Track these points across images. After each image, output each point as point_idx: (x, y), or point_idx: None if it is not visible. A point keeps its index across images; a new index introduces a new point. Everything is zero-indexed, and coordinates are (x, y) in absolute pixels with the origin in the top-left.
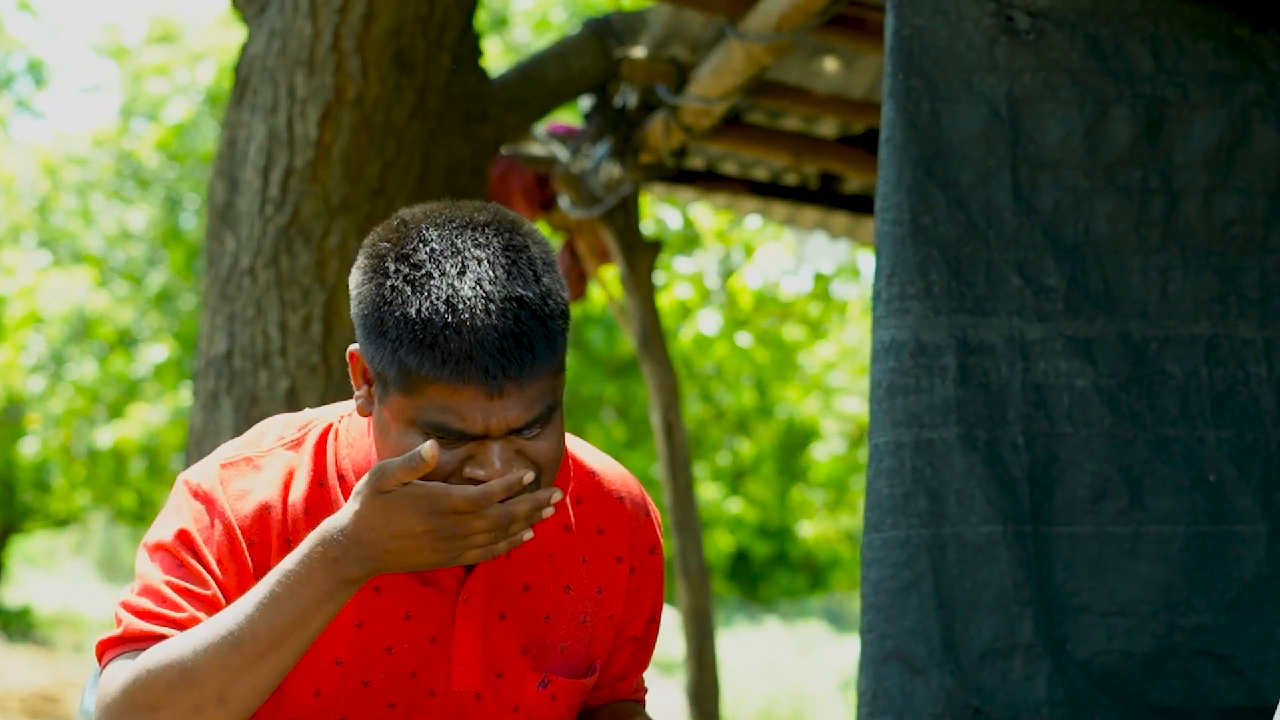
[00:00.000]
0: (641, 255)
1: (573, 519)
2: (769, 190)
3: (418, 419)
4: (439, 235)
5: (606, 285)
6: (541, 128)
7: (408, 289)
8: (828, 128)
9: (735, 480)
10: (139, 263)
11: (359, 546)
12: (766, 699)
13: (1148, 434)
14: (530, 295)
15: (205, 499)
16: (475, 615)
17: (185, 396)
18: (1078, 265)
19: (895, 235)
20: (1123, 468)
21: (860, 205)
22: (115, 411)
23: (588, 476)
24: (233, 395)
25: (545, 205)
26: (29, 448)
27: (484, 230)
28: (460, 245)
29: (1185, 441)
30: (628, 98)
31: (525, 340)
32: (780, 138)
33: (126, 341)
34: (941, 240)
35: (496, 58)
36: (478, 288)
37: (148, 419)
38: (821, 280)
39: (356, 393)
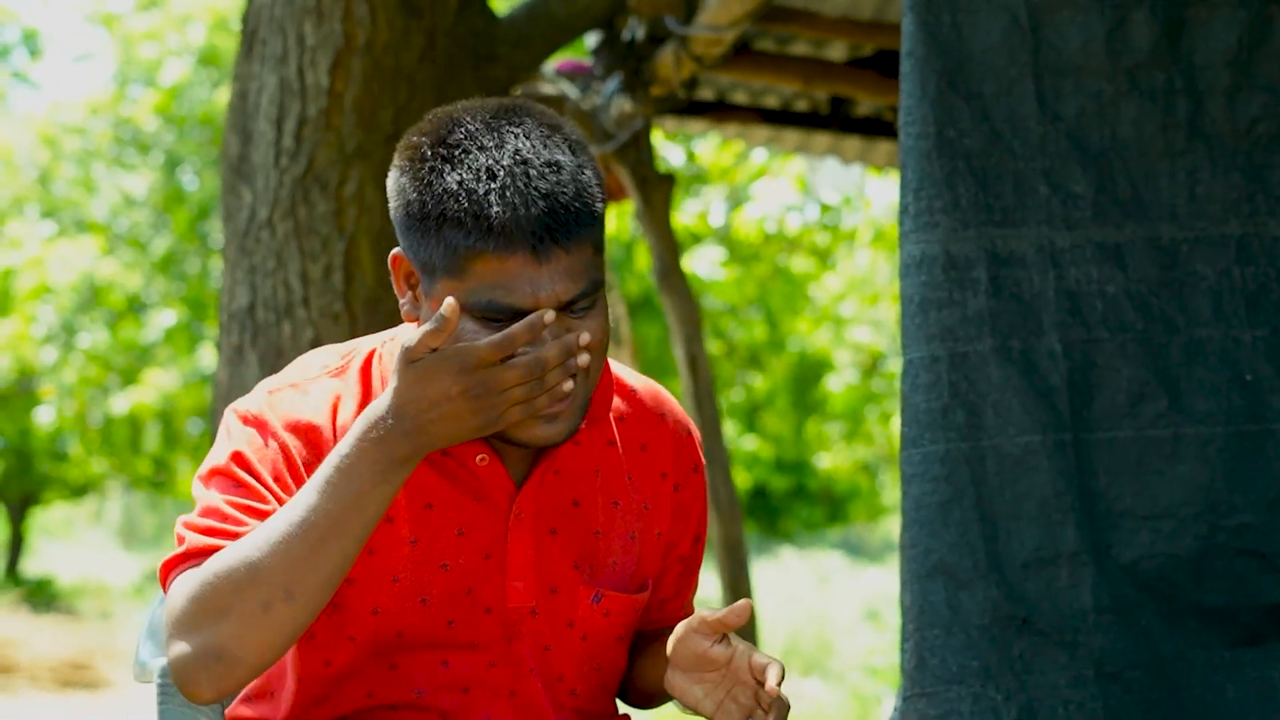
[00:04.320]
0: (656, 189)
1: (617, 435)
2: (780, 118)
3: (468, 302)
4: (473, 118)
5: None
6: (550, 66)
7: (446, 166)
8: (837, 51)
9: (750, 416)
10: (143, 228)
11: (401, 420)
12: (792, 631)
13: (1182, 336)
14: (568, 161)
15: (256, 423)
16: (527, 531)
17: (198, 360)
18: (1104, 171)
19: (921, 149)
20: (1159, 371)
21: (872, 128)
22: (128, 378)
23: (629, 394)
24: (257, 348)
25: None
26: (44, 418)
27: (518, 112)
28: (495, 125)
29: (1220, 342)
30: (636, 30)
31: (567, 201)
32: (790, 63)
33: (135, 308)
34: (967, 152)
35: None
36: (516, 155)
37: (162, 384)
38: (828, 210)
39: (401, 300)
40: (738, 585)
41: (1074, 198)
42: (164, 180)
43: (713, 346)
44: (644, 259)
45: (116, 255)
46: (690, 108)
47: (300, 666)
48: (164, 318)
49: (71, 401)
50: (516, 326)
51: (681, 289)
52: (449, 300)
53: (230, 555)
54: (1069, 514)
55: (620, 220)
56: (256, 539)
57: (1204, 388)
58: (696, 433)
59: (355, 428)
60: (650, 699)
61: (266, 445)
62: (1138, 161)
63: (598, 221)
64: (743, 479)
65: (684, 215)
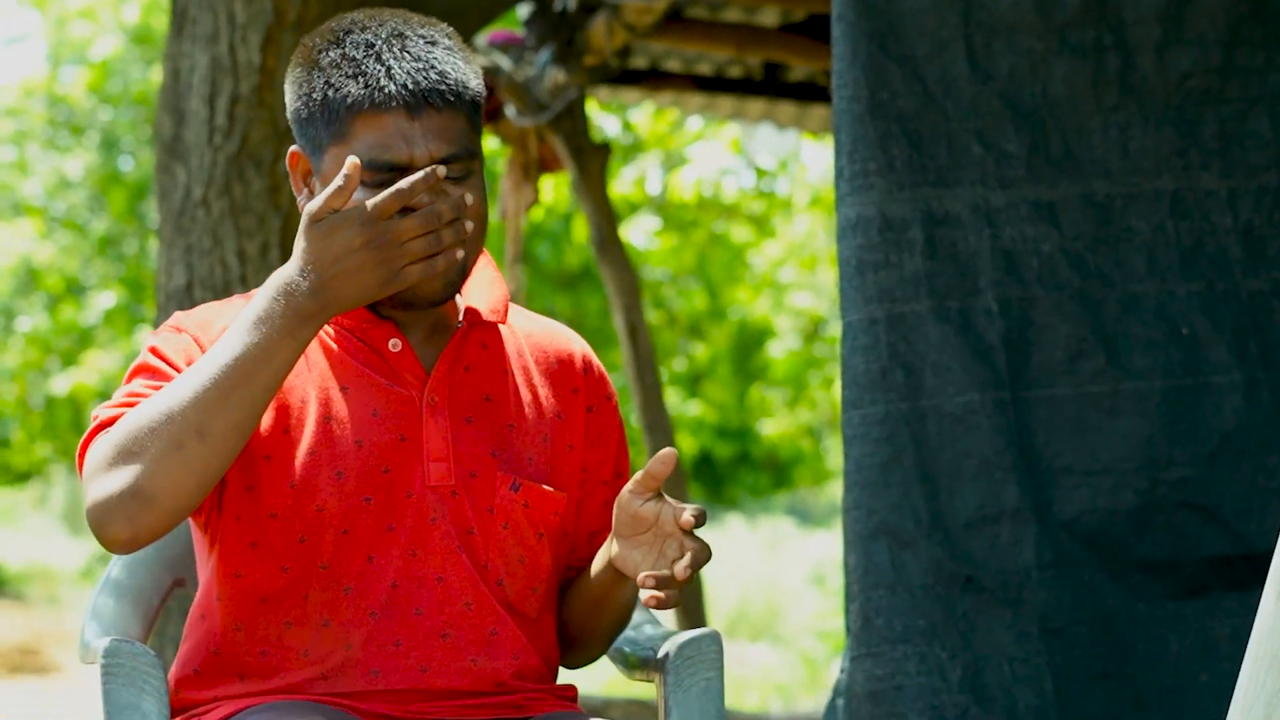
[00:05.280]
0: (592, 159)
1: (525, 348)
2: (714, 85)
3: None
4: (363, 14)
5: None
6: (482, 38)
7: (331, 46)
8: (769, 17)
9: (693, 384)
10: (80, 210)
11: (307, 277)
12: (740, 597)
13: (1118, 292)
14: (443, 43)
15: (170, 326)
16: (442, 415)
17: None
18: (1037, 129)
19: (854, 112)
20: (1096, 327)
21: (806, 93)
22: (69, 361)
23: (536, 321)
24: None
25: (491, 116)
26: None
27: (405, 11)
28: (380, 15)
29: (1156, 296)
30: (568, 1)
31: (440, 67)
32: (722, 30)
33: (74, 290)
34: (900, 114)
35: None
36: (394, 30)
37: (103, 366)
38: (763, 175)
39: (299, 198)
40: None
41: (1007, 157)
42: (100, 161)
43: (653, 316)
44: (581, 230)
45: (54, 238)
46: (624, 77)
47: (228, 556)
48: (103, 299)
49: (12, 385)
50: (413, 177)
51: (620, 259)
52: (351, 158)
53: (146, 404)
54: (1010, 472)
55: (557, 192)
56: (169, 389)
57: (1141, 343)
58: (604, 372)
59: (264, 287)
60: (594, 626)
61: (180, 338)
62: (1070, 119)
63: (471, 97)
64: (688, 446)
65: (620, 183)
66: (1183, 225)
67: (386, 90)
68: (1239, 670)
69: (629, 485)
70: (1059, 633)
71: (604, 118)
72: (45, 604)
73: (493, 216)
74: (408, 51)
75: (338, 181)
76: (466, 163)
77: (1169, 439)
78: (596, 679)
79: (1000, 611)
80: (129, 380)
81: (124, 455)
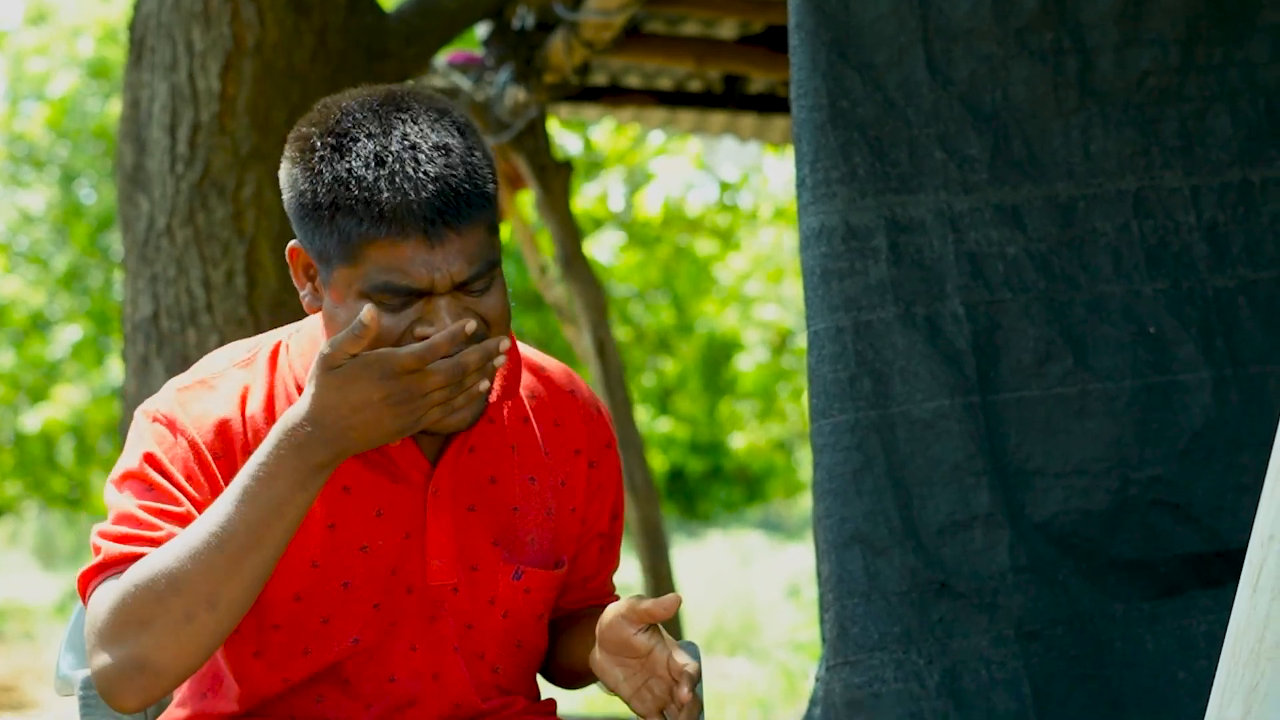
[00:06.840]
0: (555, 176)
1: (529, 412)
2: (674, 99)
3: (364, 287)
4: (360, 106)
5: (518, 210)
6: (441, 59)
7: (335, 155)
8: (727, 29)
9: (662, 399)
10: (43, 244)
11: (321, 428)
12: (716, 612)
13: (1084, 293)
14: (457, 144)
15: (165, 422)
16: (445, 508)
17: (106, 375)
18: (999, 133)
19: (815, 121)
20: (1064, 329)
21: (766, 105)
22: (37, 396)
23: (539, 372)
24: (163, 357)
25: None
26: None
27: (405, 98)
28: (383, 112)
29: (1122, 297)
30: (525, 19)
31: (457, 184)
32: (681, 44)
33: (40, 325)
34: (861, 122)
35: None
36: (404, 140)
37: (72, 399)
38: (726, 189)
39: (301, 292)
40: (658, 568)
41: (970, 161)
42: (61, 195)
43: (621, 332)
44: (545, 248)
45: (18, 273)
46: (584, 94)
47: (230, 659)
48: (69, 333)
49: None
50: (438, 336)
51: (586, 275)
52: (368, 307)
53: (151, 565)
54: (981, 476)
55: (522, 209)
56: (177, 549)
57: (1108, 343)
58: (606, 410)
59: (272, 435)
60: (577, 678)
61: (176, 443)
62: (1031, 122)
63: (490, 203)
64: (659, 462)
65: (582, 200)
66: (1147, 224)
67: (404, 222)
68: (1216, 668)
69: (622, 609)
70: (1035, 635)
71: (565, 136)
72: (21, 640)
73: None
74: (423, 170)
75: (354, 329)
76: (488, 276)
77: (1139, 438)
78: (575, 693)
79: (976, 616)
80: (122, 485)
81: (130, 624)
